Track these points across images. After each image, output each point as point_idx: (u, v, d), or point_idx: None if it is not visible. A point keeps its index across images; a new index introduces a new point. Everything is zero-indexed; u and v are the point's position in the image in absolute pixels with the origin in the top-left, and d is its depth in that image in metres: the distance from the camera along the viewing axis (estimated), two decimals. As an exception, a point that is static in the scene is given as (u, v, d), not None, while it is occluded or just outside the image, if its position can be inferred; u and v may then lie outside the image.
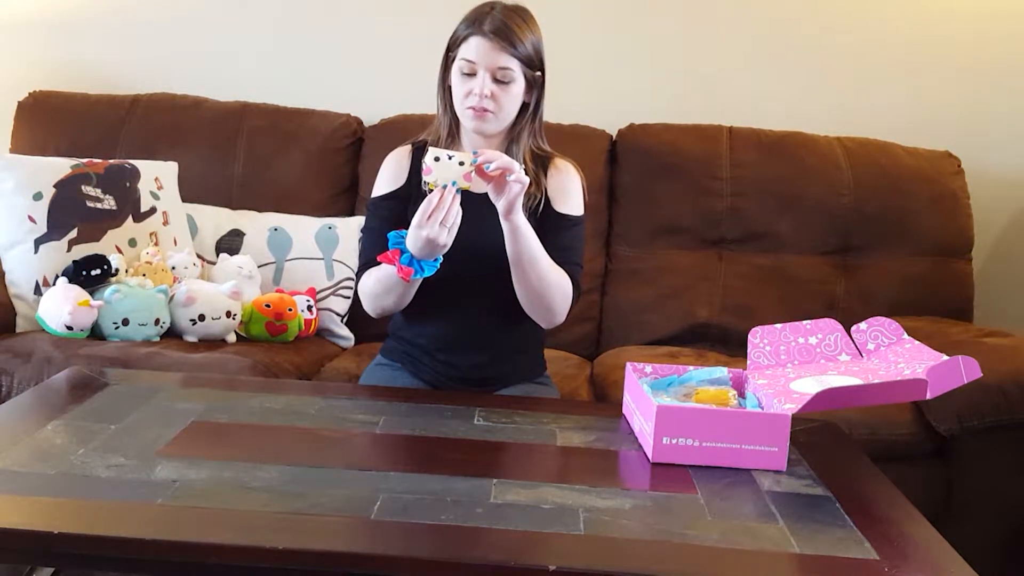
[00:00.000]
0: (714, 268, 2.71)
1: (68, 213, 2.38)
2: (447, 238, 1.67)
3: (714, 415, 1.47)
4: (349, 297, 2.59)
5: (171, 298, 2.33)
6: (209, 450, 1.42)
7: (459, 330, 1.91)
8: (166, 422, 1.52)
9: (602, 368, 2.42)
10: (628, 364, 1.73)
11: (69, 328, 2.22)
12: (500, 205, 1.70)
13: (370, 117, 2.86)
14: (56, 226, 2.37)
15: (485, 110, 1.81)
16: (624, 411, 1.72)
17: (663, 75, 2.97)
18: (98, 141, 2.72)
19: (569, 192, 1.93)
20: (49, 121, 2.79)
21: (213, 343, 2.33)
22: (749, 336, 1.77)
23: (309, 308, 2.49)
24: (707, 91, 2.96)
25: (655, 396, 1.59)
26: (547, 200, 1.90)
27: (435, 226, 1.64)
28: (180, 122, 2.79)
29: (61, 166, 2.44)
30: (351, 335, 2.59)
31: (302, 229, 2.63)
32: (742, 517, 1.29)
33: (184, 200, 2.62)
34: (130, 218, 2.46)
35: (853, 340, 1.74)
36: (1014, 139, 2.95)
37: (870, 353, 1.72)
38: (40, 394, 1.69)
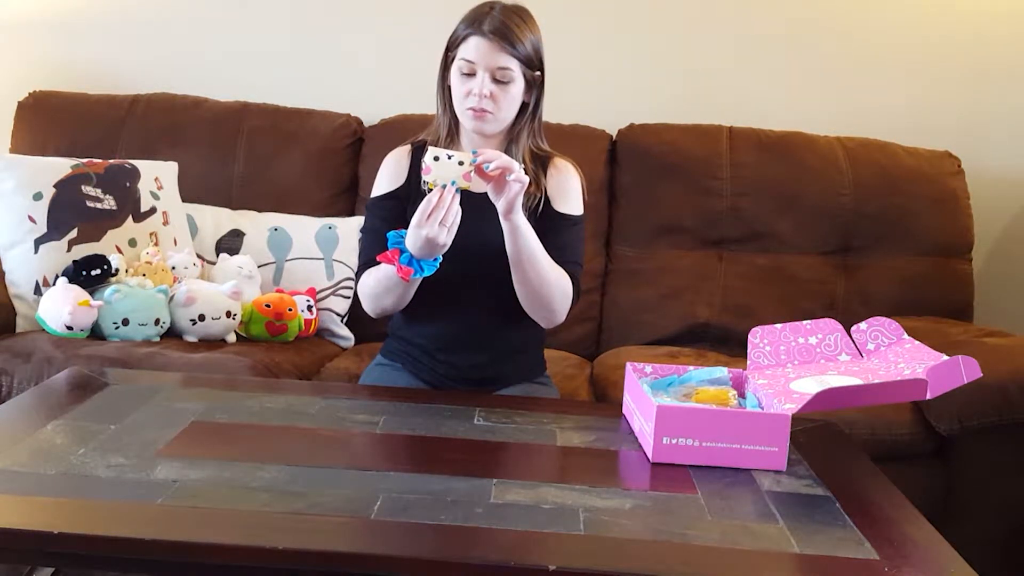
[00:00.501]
0: (714, 268, 2.71)
1: (68, 213, 2.38)
2: (446, 238, 1.67)
3: (714, 415, 1.47)
4: (349, 297, 2.59)
5: (171, 298, 2.33)
6: (209, 450, 1.42)
7: (459, 330, 1.91)
8: (166, 422, 1.52)
9: (602, 368, 2.42)
10: (628, 364, 1.73)
11: (69, 328, 2.22)
12: (500, 205, 1.70)
13: (370, 117, 2.86)
14: (56, 226, 2.37)
15: (484, 110, 1.81)
16: (624, 411, 1.72)
17: (663, 75, 2.97)
18: (98, 141, 2.72)
19: (569, 192, 1.93)
20: (49, 121, 2.79)
21: (213, 343, 2.33)
22: (749, 336, 1.77)
23: (309, 308, 2.49)
24: (707, 91, 2.96)
25: (655, 396, 1.59)
26: (547, 200, 1.90)
27: (434, 226, 1.64)
28: (180, 122, 2.79)
29: (61, 166, 2.44)
30: (351, 335, 2.59)
31: (302, 229, 2.63)
32: (742, 517, 1.29)
33: (184, 200, 2.62)
34: (130, 218, 2.46)
35: (853, 340, 1.74)
36: (1014, 139, 2.95)
37: (870, 353, 1.72)
38: (40, 394, 1.69)
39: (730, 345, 2.57)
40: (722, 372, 1.74)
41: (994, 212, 2.92)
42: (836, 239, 2.71)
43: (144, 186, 2.52)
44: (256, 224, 2.64)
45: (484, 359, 1.92)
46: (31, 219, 2.36)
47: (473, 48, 1.80)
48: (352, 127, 2.82)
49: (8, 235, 2.38)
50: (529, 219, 1.80)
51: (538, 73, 1.86)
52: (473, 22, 1.81)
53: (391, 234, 1.74)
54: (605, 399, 2.20)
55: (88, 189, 2.42)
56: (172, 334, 2.34)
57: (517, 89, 1.84)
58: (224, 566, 1.16)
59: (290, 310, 2.42)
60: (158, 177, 2.56)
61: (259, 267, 2.54)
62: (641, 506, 1.31)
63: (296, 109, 2.84)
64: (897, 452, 2.09)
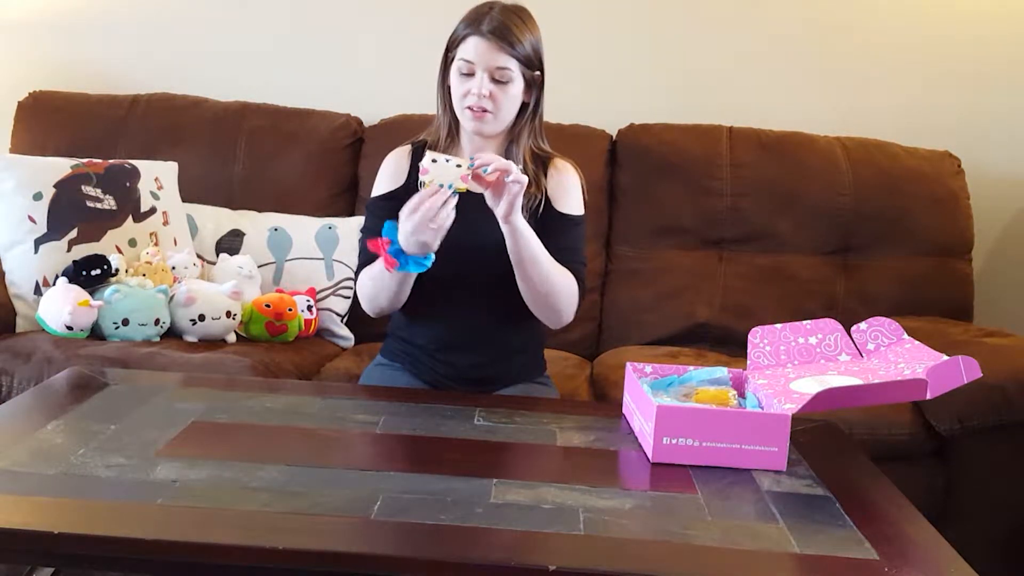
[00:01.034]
0: (714, 268, 2.71)
1: (68, 213, 2.38)
2: (434, 239, 1.67)
3: (714, 415, 1.47)
4: (349, 297, 2.59)
5: (171, 298, 2.33)
6: (209, 450, 1.42)
7: (459, 330, 1.91)
8: (166, 422, 1.52)
9: (602, 368, 2.42)
10: (628, 364, 1.73)
11: (69, 328, 2.22)
12: (500, 208, 1.70)
13: (370, 117, 2.86)
14: (56, 226, 2.37)
15: (484, 111, 1.81)
16: (624, 411, 1.72)
17: (663, 75, 2.97)
18: (98, 141, 2.72)
19: (569, 192, 1.93)
20: (49, 121, 2.78)
21: (213, 343, 2.33)
22: (749, 336, 1.77)
23: (309, 308, 2.49)
24: (707, 91, 2.96)
25: (655, 396, 1.59)
26: (547, 200, 1.90)
27: (423, 225, 1.64)
28: (180, 122, 2.79)
29: (61, 166, 2.44)
30: (351, 335, 2.59)
31: (302, 229, 2.63)
32: (742, 517, 1.29)
33: (184, 200, 2.62)
34: (130, 218, 2.46)
35: (853, 340, 1.74)
36: (1014, 139, 2.95)
37: (870, 353, 1.72)
38: (40, 394, 1.69)
39: (730, 345, 2.57)
40: (722, 372, 1.74)
41: (994, 212, 2.92)
42: (836, 239, 2.71)
43: (144, 186, 2.52)
44: (256, 224, 2.64)
45: (484, 359, 1.92)
46: (31, 219, 2.36)
47: (472, 48, 1.80)
48: (352, 127, 2.82)
49: (8, 235, 2.38)
50: (530, 220, 1.80)
51: (537, 73, 1.86)
52: (472, 22, 1.81)
53: (388, 223, 1.73)
54: (605, 399, 2.20)
55: (88, 189, 2.42)
56: (172, 334, 2.34)
57: (516, 89, 1.83)
58: (224, 566, 1.16)
59: (290, 310, 2.42)
60: (158, 177, 2.56)
61: (259, 267, 2.54)
62: (641, 506, 1.31)
63: (296, 109, 2.84)
64: (897, 452, 2.09)
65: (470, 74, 1.82)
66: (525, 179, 1.69)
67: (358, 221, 2.61)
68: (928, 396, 1.44)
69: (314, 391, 1.79)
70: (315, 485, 1.31)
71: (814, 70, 2.95)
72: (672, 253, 2.73)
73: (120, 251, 2.40)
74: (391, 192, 1.93)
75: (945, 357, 1.55)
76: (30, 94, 2.83)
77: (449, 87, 1.88)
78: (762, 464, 1.46)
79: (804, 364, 1.73)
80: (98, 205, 2.42)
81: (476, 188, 1.69)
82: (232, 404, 1.65)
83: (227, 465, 1.35)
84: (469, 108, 1.82)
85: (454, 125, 1.92)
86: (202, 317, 2.32)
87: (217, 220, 2.65)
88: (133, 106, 2.81)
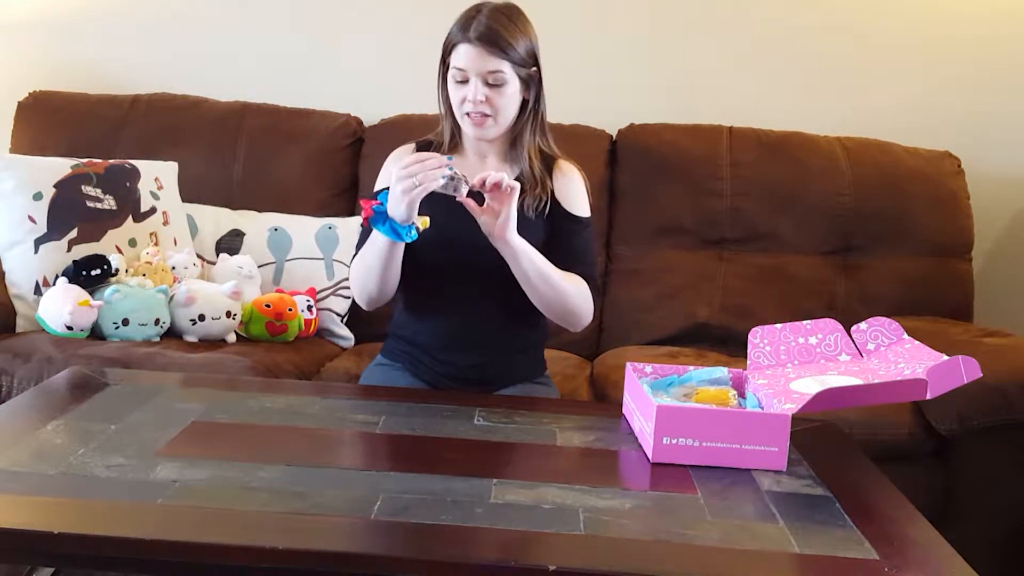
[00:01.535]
0: (714, 268, 2.71)
1: (68, 213, 2.38)
2: (412, 202, 1.65)
3: (714, 415, 1.47)
4: (349, 297, 2.59)
5: (171, 298, 2.33)
6: (209, 450, 1.42)
7: (459, 329, 1.91)
8: (166, 422, 1.52)
9: (602, 368, 2.42)
10: (628, 364, 1.73)
11: (69, 328, 2.22)
12: (495, 226, 1.71)
13: (370, 117, 2.86)
14: (56, 226, 2.37)
15: (485, 116, 1.81)
16: (624, 411, 1.72)
17: (663, 75, 2.97)
18: (98, 141, 2.72)
19: (576, 195, 1.93)
20: (49, 121, 2.79)
21: (213, 343, 2.33)
22: (749, 336, 1.77)
23: (309, 308, 2.49)
24: (707, 91, 2.96)
25: (655, 396, 1.59)
26: (555, 202, 1.89)
27: (410, 185, 1.63)
28: (180, 122, 2.79)
29: (61, 166, 2.44)
30: (351, 335, 2.59)
31: (302, 229, 2.63)
32: (742, 517, 1.29)
33: (184, 200, 2.62)
34: (130, 218, 2.46)
35: (853, 340, 1.74)
36: (1014, 139, 2.95)
37: (870, 353, 1.72)
38: (40, 394, 1.69)
39: (730, 345, 2.57)
40: (722, 372, 1.74)
41: (994, 212, 2.93)
42: (836, 239, 2.71)
43: (144, 186, 2.52)
44: (256, 224, 2.64)
45: (484, 358, 1.92)
46: (31, 219, 2.36)
47: (463, 56, 1.80)
48: (352, 127, 2.82)
49: (8, 235, 2.38)
50: (537, 220, 1.81)
51: (534, 70, 1.85)
52: (462, 28, 1.81)
53: (384, 192, 1.73)
54: (605, 399, 2.20)
55: (88, 189, 2.42)
56: (172, 334, 2.34)
57: (512, 89, 1.83)
58: (224, 566, 1.16)
59: (290, 310, 2.42)
60: (158, 177, 2.56)
61: (259, 267, 2.54)
62: (641, 506, 1.31)
63: (296, 109, 2.85)
64: (897, 452, 2.09)
65: (464, 81, 1.81)
66: (517, 185, 1.70)
67: (358, 221, 2.61)
68: (928, 396, 1.44)
69: (314, 391, 1.79)
70: (315, 485, 1.30)
71: (814, 70, 2.95)
72: (672, 253, 2.73)
73: (120, 251, 2.40)
74: None
75: (945, 357, 1.55)
76: (30, 94, 2.83)
77: (448, 94, 1.88)
78: (762, 464, 1.46)
79: (804, 364, 1.73)
80: (98, 205, 2.42)
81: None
82: (232, 404, 1.65)
83: (227, 465, 1.35)
84: (467, 115, 1.82)
85: (457, 132, 1.92)
86: (202, 317, 2.32)
87: (217, 220, 2.65)
88: (133, 106, 2.81)
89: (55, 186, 2.39)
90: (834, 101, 2.95)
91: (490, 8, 1.82)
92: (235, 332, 2.39)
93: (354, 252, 1.95)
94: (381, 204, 1.71)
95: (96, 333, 2.27)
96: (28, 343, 2.19)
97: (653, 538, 1.22)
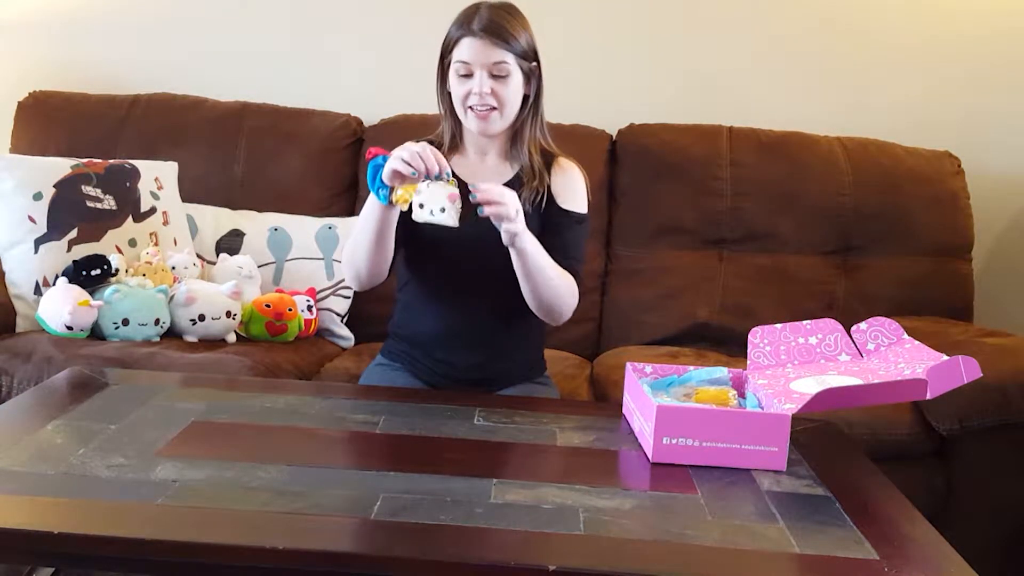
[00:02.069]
0: (714, 268, 2.71)
1: (68, 213, 2.38)
2: (389, 170, 1.67)
3: (714, 415, 1.47)
4: (349, 297, 2.59)
5: (171, 298, 2.33)
6: (209, 450, 1.42)
7: (459, 327, 1.91)
8: (166, 422, 1.52)
9: (602, 368, 2.42)
10: (628, 364, 1.73)
11: (69, 328, 2.22)
12: (504, 237, 1.70)
13: (370, 117, 2.86)
14: (56, 226, 2.37)
15: (491, 108, 1.82)
16: (624, 411, 1.72)
17: (663, 75, 2.97)
18: (98, 141, 2.72)
19: (575, 191, 1.93)
20: (49, 121, 2.78)
21: (213, 343, 2.33)
22: (749, 336, 1.77)
23: (309, 308, 2.49)
24: (707, 91, 2.96)
25: (655, 396, 1.59)
26: (551, 197, 1.89)
27: (413, 152, 1.64)
28: (180, 122, 2.79)
29: (61, 166, 2.44)
30: (351, 335, 2.59)
31: (302, 229, 2.63)
32: (742, 517, 1.29)
33: (184, 200, 2.62)
34: (130, 218, 2.46)
35: (853, 340, 1.74)
36: (1014, 139, 2.95)
37: (870, 353, 1.72)
38: (40, 394, 1.69)
39: (730, 345, 2.57)
40: (722, 372, 1.74)
41: (994, 212, 2.93)
42: (836, 239, 2.71)
43: (144, 186, 2.52)
44: (256, 224, 2.64)
45: (483, 358, 1.92)
46: (31, 219, 2.36)
47: (467, 49, 1.80)
48: (352, 127, 2.82)
49: (8, 235, 2.38)
50: (534, 214, 1.81)
51: (534, 64, 1.86)
52: (463, 24, 1.82)
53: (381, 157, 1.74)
54: (605, 399, 2.20)
55: (88, 189, 2.42)
56: (172, 334, 2.34)
57: (516, 82, 1.83)
58: (224, 566, 1.16)
59: (290, 310, 2.42)
60: (158, 177, 2.56)
61: (259, 267, 2.54)
62: (641, 506, 1.31)
63: (296, 109, 2.84)
64: (897, 452, 2.09)
65: (468, 75, 1.82)
66: (521, 228, 1.69)
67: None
68: (928, 396, 1.44)
69: (314, 391, 1.79)
70: (315, 485, 1.31)
71: (814, 70, 2.95)
72: (672, 253, 2.73)
73: (120, 251, 2.40)
74: None
75: (945, 357, 1.55)
76: (30, 94, 2.83)
77: (449, 93, 1.88)
78: (762, 464, 1.46)
79: (804, 364, 1.73)
80: (98, 205, 2.42)
81: (458, 209, 1.69)
82: (232, 404, 1.65)
83: (227, 465, 1.35)
84: (471, 108, 1.82)
85: (457, 131, 1.92)
86: (202, 317, 2.32)
87: (217, 220, 2.65)
88: (133, 106, 2.81)
89: (55, 186, 2.39)
90: (834, 101, 2.95)
91: (488, 5, 1.84)
92: (235, 332, 2.39)
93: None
94: (383, 159, 1.71)
95: (96, 333, 2.27)
96: (28, 343, 2.19)
97: (653, 538, 1.22)
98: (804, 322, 1.77)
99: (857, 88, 2.95)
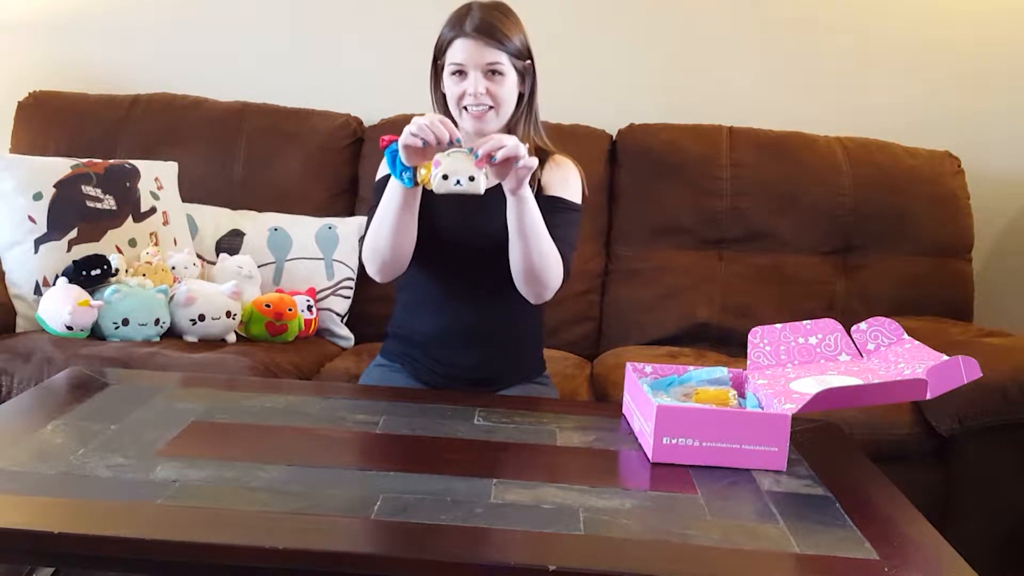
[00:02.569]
0: (714, 268, 2.71)
1: (68, 213, 2.38)
2: (402, 148, 1.65)
3: (714, 415, 1.47)
4: (349, 297, 2.59)
5: (171, 298, 2.33)
6: (209, 450, 1.42)
7: (458, 327, 1.91)
8: (166, 422, 1.52)
9: (602, 368, 2.42)
10: (628, 364, 1.73)
11: (69, 328, 2.22)
12: (508, 183, 1.69)
13: (370, 117, 2.86)
14: (56, 226, 2.37)
15: (489, 107, 1.81)
16: (624, 411, 1.72)
17: (663, 75, 2.97)
18: (98, 141, 2.72)
19: (565, 180, 1.91)
20: (49, 121, 2.78)
21: (213, 343, 2.33)
22: (749, 336, 1.77)
23: (309, 308, 2.49)
24: (707, 91, 2.96)
25: (655, 396, 1.59)
26: (539, 188, 1.88)
27: (424, 125, 1.62)
28: (180, 122, 2.79)
29: (61, 166, 2.44)
30: (351, 335, 2.59)
31: (302, 229, 2.63)
32: (742, 517, 1.29)
33: (184, 200, 2.62)
34: (130, 218, 2.46)
35: (853, 340, 1.74)
36: (1014, 139, 2.95)
37: (870, 353, 1.72)
38: (40, 394, 1.69)
39: (730, 345, 2.57)
40: (722, 372, 1.74)
41: (994, 212, 2.93)
42: (836, 239, 2.71)
43: (144, 186, 2.52)
44: (256, 224, 2.64)
45: (483, 358, 1.92)
46: (31, 219, 2.36)
47: (460, 50, 1.80)
48: (352, 127, 2.82)
49: (8, 235, 2.38)
50: None
51: (528, 63, 1.86)
52: (455, 25, 1.81)
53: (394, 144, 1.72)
54: (605, 399, 2.20)
55: (88, 189, 2.42)
56: (172, 334, 2.34)
57: (511, 81, 1.83)
58: (224, 566, 1.16)
59: (290, 310, 2.42)
60: (158, 177, 2.56)
61: (259, 267, 2.54)
62: (641, 506, 1.31)
63: (296, 109, 2.85)
64: (897, 452, 2.09)
65: (463, 76, 1.81)
66: (535, 162, 1.67)
67: (358, 221, 2.62)
68: (928, 396, 1.44)
69: (314, 391, 1.79)
70: (315, 485, 1.31)
71: (814, 70, 2.95)
72: (672, 253, 2.73)
73: (120, 251, 2.40)
74: None
75: (945, 357, 1.55)
76: (30, 94, 2.83)
77: (443, 94, 1.87)
78: (762, 464, 1.46)
79: (804, 364, 1.73)
80: (98, 205, 2.42)
81: (486, 175, 1.66)
82: (232, 404, 1.65)
83: (227, 465, 1.35)
84: (467, 109, 1.82)
85: None
86: (202, 317, 2.32)
87: (217, 220, 2.65)
88: (133, 106, 2.81)
89: (55, 186, 2.39)
90: (834, 101, 2.95)
91: (480, 5, 1.83)
92: (235, 332, 2.39)
93: (368, 217, 1.90)
94: (395, 144, 1.69)
95: (96, 333, 2.27)
96: (28, 343, 2.19)
97: (653, 538, 1.22)
98: (804, 322, 1.77)
99: (857, 88, 2.95)
